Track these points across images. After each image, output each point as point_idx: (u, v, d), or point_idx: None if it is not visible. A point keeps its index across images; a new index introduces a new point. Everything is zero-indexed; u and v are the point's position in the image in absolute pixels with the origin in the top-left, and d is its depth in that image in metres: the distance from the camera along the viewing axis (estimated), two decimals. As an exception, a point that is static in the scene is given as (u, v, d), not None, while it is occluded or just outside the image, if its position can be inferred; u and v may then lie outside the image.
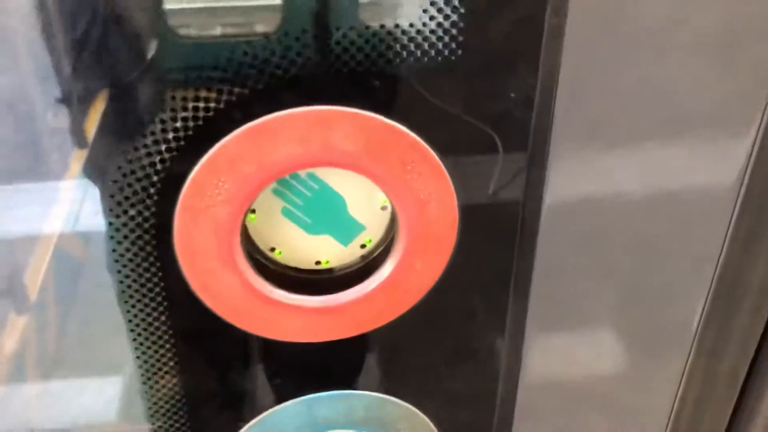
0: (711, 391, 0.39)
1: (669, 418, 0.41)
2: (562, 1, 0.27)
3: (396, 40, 0.27)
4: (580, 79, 0.29)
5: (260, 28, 0.27)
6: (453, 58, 0.28)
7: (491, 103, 0.29)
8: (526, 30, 0.27)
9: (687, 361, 0.38)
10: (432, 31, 0.27)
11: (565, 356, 0.37)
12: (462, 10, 0.27)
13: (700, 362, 0.38)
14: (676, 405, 0.40)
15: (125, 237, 0.31)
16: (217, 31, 0.27)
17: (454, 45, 0.27)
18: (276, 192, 0.32)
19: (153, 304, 0.32)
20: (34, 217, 0.36)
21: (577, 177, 0.31)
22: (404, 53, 0.27)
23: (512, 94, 0.28)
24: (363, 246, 0.34)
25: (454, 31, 0.27)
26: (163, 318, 0.32)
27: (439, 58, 0.28)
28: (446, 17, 0.27)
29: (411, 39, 0.27)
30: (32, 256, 0.40)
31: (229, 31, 0.27)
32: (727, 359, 0.38)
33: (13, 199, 0.34)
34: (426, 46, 0.27)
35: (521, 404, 0.38)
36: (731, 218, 0.33)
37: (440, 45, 0.27)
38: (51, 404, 0.42)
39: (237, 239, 0.31)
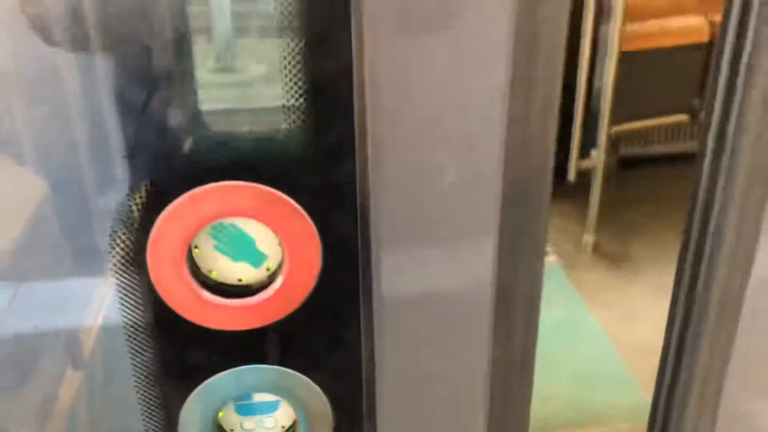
0: (508, 380, 0.56)
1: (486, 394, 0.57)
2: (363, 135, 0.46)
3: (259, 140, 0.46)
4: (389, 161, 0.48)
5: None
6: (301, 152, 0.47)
7: (323, 180, 0.48)
8: (341, 142, 0.47)
9: (489, 354, 0.55)
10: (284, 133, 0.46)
11: (410, 355, 0.55)
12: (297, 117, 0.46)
13: (497, 353, 0.55)
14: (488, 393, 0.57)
15: (123, 263, 0.49)
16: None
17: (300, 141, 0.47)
18: (211, 234, 0.50)
19: (134, 304, 0.50)
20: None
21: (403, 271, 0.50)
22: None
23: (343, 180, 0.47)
24: (268, 269, 0.52)
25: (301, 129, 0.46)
26: (140, 312, 0.51)
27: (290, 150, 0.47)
28: (293, 121, 0.46)
29: (269, 139, 0.46)
30: (88, 315, 0.57)
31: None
32: (516, 349, 0.55)
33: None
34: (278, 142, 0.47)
35: (381, 382, 0.55)
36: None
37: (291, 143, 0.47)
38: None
39: (185, 265, 0.49)
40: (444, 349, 0.54)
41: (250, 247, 0.51)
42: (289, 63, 0.45)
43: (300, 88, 0.46)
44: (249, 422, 0.57)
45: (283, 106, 0.46)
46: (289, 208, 0.48)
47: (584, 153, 3.01)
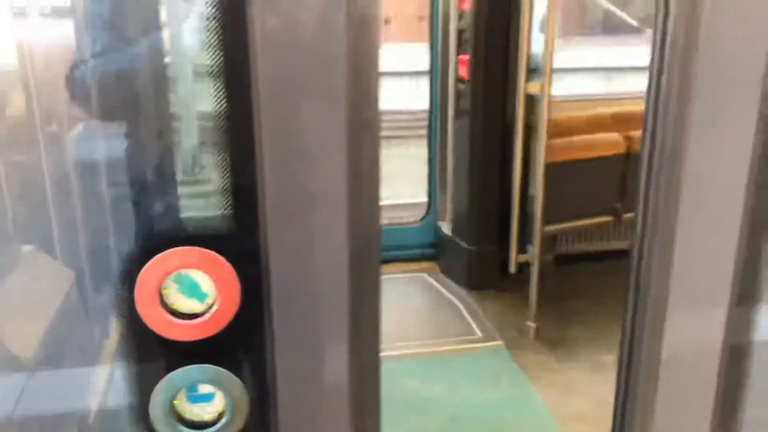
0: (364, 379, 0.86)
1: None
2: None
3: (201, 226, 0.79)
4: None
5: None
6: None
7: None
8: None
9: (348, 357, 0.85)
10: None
11: (296, 360, 0.85)
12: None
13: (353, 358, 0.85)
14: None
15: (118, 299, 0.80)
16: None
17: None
18: (173, 280, 0.81)
19: (127, 325, 0.81)
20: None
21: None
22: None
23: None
24: (207, 303, 0.83)
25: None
26: (130, 329, 0.81)
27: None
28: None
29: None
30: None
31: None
32: (364, 354, 0.85)
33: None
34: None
35: (280, 380, 0.84)
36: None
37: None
38: None
39: (157, 300, 0.80)
40: (316, 359, 0.84)
41: (197, 289, 0.82)
42: (220, 173, 0.78)
43: (227, 195, 0.79)
44: (195, 408, 0.86)
45: (220, 207, 0.79)
46: (221, 264, 0.80)
47: (525, 250, 3.37)
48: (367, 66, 0.78)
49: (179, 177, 0.80)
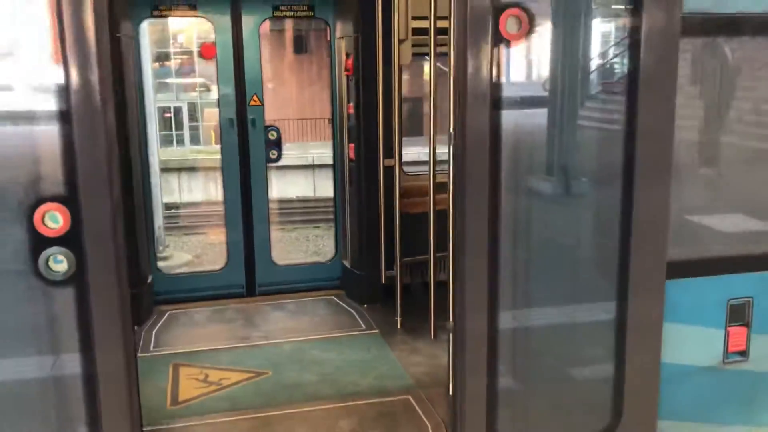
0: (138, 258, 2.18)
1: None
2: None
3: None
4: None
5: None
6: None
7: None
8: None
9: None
10: (62, 193, 2.15)
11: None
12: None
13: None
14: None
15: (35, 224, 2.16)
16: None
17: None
18: (48, 215, 2.17)
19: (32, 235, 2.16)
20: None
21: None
22: (59, 196, 2.16)
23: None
24: (60, 223, 2.17)
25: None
26: (30, 239, 2.16)
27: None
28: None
29: (60, 194, 2.15)
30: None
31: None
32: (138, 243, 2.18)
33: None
34: (62, 195, 2.15)
35: (89, 247, 2.17)
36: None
37: (64, 195, 2.15)
38: None
39: (42, 222, 2.15)
40: (103, 241, 2.16)
41: (56, 218, 2.18)
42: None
43: (66, 185, 2.16)
44: (57, 265, 2.19)
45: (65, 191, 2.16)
46: (65, 210, 2.15)
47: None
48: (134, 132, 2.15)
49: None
